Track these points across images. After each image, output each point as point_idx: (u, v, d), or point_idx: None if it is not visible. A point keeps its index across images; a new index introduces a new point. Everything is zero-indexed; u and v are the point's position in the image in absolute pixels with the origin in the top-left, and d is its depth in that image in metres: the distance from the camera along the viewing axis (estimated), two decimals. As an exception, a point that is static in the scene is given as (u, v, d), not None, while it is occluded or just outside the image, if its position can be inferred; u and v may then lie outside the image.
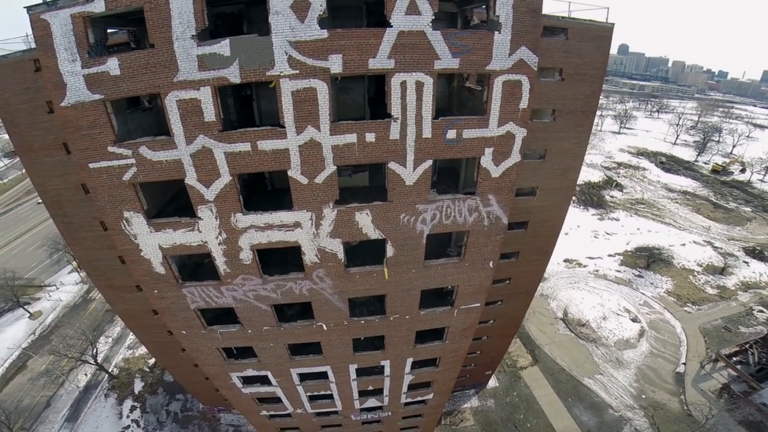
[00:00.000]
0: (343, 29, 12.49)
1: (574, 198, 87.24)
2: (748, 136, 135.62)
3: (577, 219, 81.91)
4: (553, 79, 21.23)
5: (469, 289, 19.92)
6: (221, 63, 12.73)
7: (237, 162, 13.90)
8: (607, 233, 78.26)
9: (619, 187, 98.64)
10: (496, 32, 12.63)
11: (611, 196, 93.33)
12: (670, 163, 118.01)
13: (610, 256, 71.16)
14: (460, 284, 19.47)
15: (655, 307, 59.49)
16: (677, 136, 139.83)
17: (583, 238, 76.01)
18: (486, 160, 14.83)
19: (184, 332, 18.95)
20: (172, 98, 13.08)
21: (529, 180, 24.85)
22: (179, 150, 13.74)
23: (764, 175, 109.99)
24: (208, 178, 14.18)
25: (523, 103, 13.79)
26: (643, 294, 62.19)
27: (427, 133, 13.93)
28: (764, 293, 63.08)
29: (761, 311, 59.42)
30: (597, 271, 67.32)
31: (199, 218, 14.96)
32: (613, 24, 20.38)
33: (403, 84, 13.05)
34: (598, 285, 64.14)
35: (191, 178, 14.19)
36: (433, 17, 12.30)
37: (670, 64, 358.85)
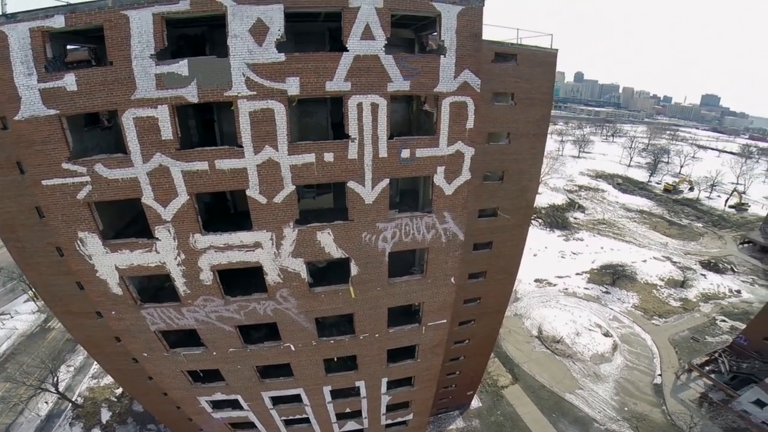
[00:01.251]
0: (300, 53, 12.60)
1: (540, 220, 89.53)
2: (693, 157, 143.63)
3: (544, 240, 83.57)
4: (506, 104, 21.94)
5: (434, 306, 19.75)
6: (179, 82, 12.55)
7: (195, 181, 13.52)
8: (573, 253, 79.92)
9: (582, 208, 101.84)
10: (442, 56, 13.00)
11: (575, 218, 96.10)
12: (626, 184, 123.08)
13: (577, 274, 72.43)
14: (425, 301, 19.30)
15: (625, 321, 60.45)
16: (631, 158, 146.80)
17: (551, 258, 77.31)
18: (439, 179, 14.98)
19: (146, 355, 17.87)
20: (129, 116, 12.74)
21: (490, 201, 25.27)
22: (136, 168, 13.28)
23: (710, 193, 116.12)
24: (165, 197, 13.70)
25: (469, 123, 14.13)
26: (612, 309, 63.18)
27: (383, 152, 13.99)
28: (724, 303, 65.11)
29: (723, 320, 61.10)
30: (566, 289, 68.37)
31: (157, 239, 14.34)
32: (557, 50, 21.38)
33: (360, 105, 13.16)
34: (568, 302, 64.96)
35: (148, 197, 13.67)
36: (386, 42, 12.57)
37: (620, 91, 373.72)
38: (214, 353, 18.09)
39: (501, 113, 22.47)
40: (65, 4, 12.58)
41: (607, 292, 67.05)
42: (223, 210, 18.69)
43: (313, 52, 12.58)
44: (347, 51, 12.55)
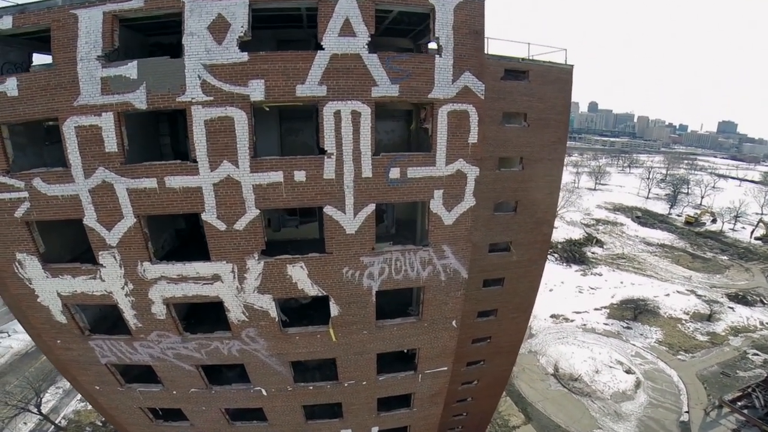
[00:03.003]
0: (266, 52, 10.16)
1: (556, 255, 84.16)
2: (713, 187, 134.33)
3: (561, 275, 78.48)
4: (518, 125, 18.96)
5: (433, 352, 16.30)
6: (126, 86, 10.30)
7: (142, 201, 11.00)
8: (592, 288, 74.53)
9: (600, 243, 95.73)
10: (437, 56, 10.30)
11: (592, 252, 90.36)
12: (646, 217, 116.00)
13: (596, 309, 67.24)
14: (422, 347, 15.91)
15: (648, 357, 55.13)
16: (649, 190, 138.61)
17: (568, 293, 72.33)
18: (436, 205, 11.94)
19: (98, 388, 15.09)
20: (71, 124, 10.59)
21: (502, 234, 21.82)
22: (77, 184, 10.93)
23: (734, 225, 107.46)
24: (109, 219, 11.21)
25: (473, 137, 11.20)
26: (634, 345, 58.06)
27: (366, 171, 11.16)
28: (755, 336, 59.19)
29: (756, 354, 55.18)
30: (585, 325, 63.21)
31: (101, 265, 11.76)
32: (572, 65, 18.64)
33: (337, 114, 10.53)
34: (587, 339, 59.93)
35: (90, 218, 11.22)
36: (369, 39, 9.99)
37: (635, 120, 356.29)
38: (174, 392, 15.09)
39: (513, 135, 19.44)
40: (15, 4, 10.73)
41: (628, 328, 61.45)
42: (198, 236, 16.11)
43: (281, 51, 10.11)
44: (322, 49, 10.03)
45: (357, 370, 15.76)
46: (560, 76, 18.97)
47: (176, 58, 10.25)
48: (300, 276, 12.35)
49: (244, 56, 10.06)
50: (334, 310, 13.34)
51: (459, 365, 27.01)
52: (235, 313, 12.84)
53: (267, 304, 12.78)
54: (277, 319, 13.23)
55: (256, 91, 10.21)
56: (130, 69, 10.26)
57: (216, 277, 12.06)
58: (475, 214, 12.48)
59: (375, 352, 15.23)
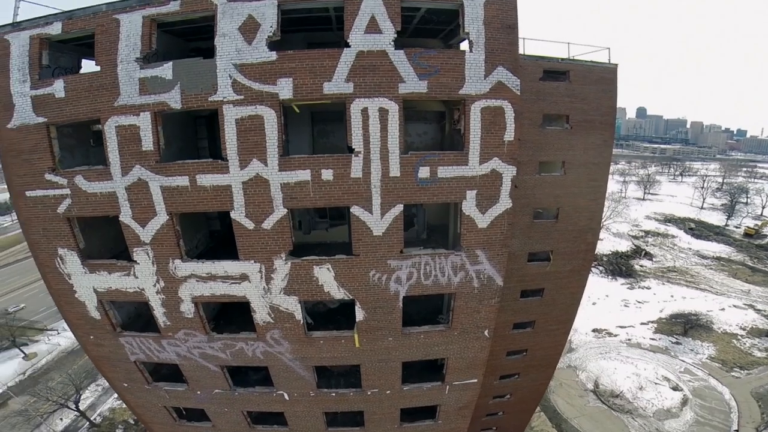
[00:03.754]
0: (294, 51, 10.04)
1: (601, 268, 79.43)
2: None
3: (605, 288, 73.94)
4: (560, 128, 17.83)
5: (462, 363, 15.41)
6: (162, 87, 10.53)
7: (174, 199, 11.15)
8: (639, 302, 69.77)
9: (649, 255, 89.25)
10: (468, 51, 9.77)
11: (641, 265, 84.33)
12: (700, 229, 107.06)
13: (642, 324, 62.88)
14: (450, 356, 15.08)
15: (698, 374, 50.94)
16: (703, 199, 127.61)
17: (613, 307, 68.01)
18: (469, 206, 11.24)
19: (126, 385, 15.42)
20: (112, 124, 10.97)
21: (542, 243, 20.57)
22: (114, 182, 11.26)
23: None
24: (143, 216, 11.45)
25: (509, 135, 10.46)
26: (683, 361, 53.74)
27: (394, 170, 10.70)
28: None
29: None
30: (629, 340, 59.22)
31: (135, 262, 12.02)
32: (616, 65, 17.59)
33: (364, 111, 10.19)
34: (631, 354, 56.12)
35: (126, 215, 11.51)
36: (396, 35, 9.60)
37: (688, 126, 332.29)
38: (198, 392, 15.13)
39: (554, 138, 18.39)
40: (64, 11, 11.36)
41: (677, 343, 57.17)
42: (233, 240, 16.30)
43: (308, 50, 9.95)
44: (348, 47, 9.77)
45: (381, 378, 15.17)
46: (604, 76, 17.96)
47: (208, 59, 10.34)
48: (326, 278, 12.02)
49: (273, 55, 10.01)
50: (359, 314, 12.88)
51: (491, 378, 25.69)
52: (260, 314, 12.69)
53: (293, 306, 12.54)
54: (302, 322, 12.95)
55: (284, 89, 10.10)
56: (165, 70, 10.49)
57: (243, 277, 11.99)
58: (512, 219, 11.62)
59: (400, 360, 14.60)
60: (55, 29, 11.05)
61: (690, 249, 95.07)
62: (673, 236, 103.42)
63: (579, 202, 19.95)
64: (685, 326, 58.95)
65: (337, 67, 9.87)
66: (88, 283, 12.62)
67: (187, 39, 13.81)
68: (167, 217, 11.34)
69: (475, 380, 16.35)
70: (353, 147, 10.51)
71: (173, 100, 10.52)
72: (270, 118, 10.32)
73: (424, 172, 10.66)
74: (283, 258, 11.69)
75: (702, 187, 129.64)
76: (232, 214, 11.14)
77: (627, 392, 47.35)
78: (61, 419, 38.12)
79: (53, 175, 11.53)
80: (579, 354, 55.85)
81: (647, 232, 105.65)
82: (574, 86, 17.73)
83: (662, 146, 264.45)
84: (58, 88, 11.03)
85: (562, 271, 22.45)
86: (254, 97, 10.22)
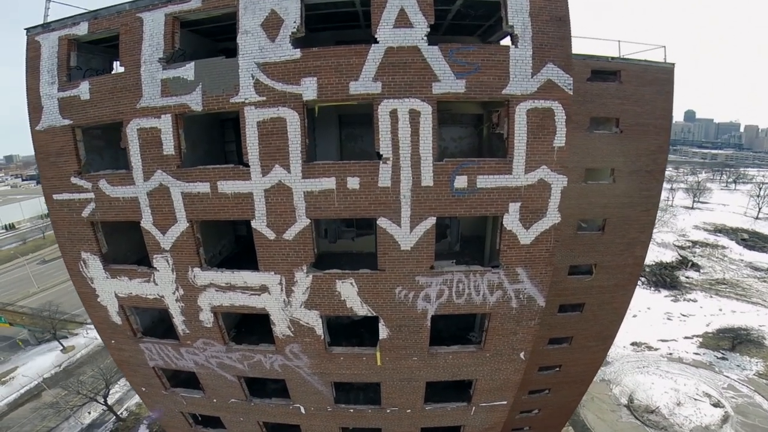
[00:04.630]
0: (319, 48, 9.10)
1: (643, 279, 74.22)
2: None
3: (647, 301, 69.08)
4: (608, 132, 16.04)
5: (493, 384, 14.05)
6: (184, 88, 9.95)
7: (195, 206, 10.55)
8: (683, 315, 64.73)
9: (696, 267, 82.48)
10: (512, 47, 8.48)
11: (687, 277, 78.09)
12: (754, 240, 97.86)
13: (686, 338, 58.40)
14: (480, 378, 13.77)
15: (743, 391, 47.08)
16: (759, 209, 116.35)
17: (655, 320, 63.47)
18: (511, 221, 9.90)
19: (144, 389, 15.21)
20: (134, 126, 10.52)
21: (586, 256, 18.75)
22: (136, 186, 10.82)
23: None
24: (164, 222, 10.94)
25: (559, 140, 9.07)
26: (728, 377, 49.74)
27: (427, 179, 9.55)
28: None
29: None
30: (671, 354, 55.11)
31: (155, 269, 11.54)
32: (673, 64, 15.90)
33: (394, 113, 9.12)
34: (671, 369, 52.28)
35: (147, 221, 11.04)
36: (428, 29, 8.46)
37: (742, 129, 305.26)
38: (215, 400, 14.62)
39: (602, 143, 16.68)
40: (90, 11, 11.03)
41: (723, 358, 52.93)
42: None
43: (334, 46, 8.99)
44: (376, 42, 8.72)
45: (402, 397, 14.06)
46: (659, 77, 16.25)
47: (230, 58, 9.63)
48: (349, 293, 11.04)
49: (297, 53, 9.15)
50: (382, 332, 11.82)
51: (520, 392, 23.89)
52: (280, 327, 11.90)
53: (313, 320, 11.66)
54: (322, 337, 12.06)
55: (308, 89, 9.21)
56: (187, 70, 9.90)
57: (263, 288, 11.23)
58: (559, 235, 10.18)
59: (424, 380, 13.45)
60: (82, 30, 10.76)
61: (742, 260, 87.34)
62: (723, 247, 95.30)
63: (629, 213, 17.95)
64: (733, 341, 54.64)
65: (364, 64, 8.88)
66: (110, 288, 12.32)
67: (216, 39, 13.29)
68: (187, 224, 10.76)
69: (505, 402, 14.92)
70: (381, 153, 9.45)
71: (194, 101, 9.89)
72: (293, 121, 9.48)
73: (460, 182, 9.44)
74: (305, 270, 10.82)
75: (758, 196, 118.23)
76: (253, 224, 10.40)
77: (663, 408, 44.19)
78: (89, 413, 39.28)
79: (78, 178, 11.25)
80: (614, 368, 52.57)
81: (695, 243, 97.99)
82: (626, 87, 16.10)
83: (713, 151, 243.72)
84: (83, 89, 10.71)
85: (606, 286, 20.49)
86: (277, 99, 9.41)
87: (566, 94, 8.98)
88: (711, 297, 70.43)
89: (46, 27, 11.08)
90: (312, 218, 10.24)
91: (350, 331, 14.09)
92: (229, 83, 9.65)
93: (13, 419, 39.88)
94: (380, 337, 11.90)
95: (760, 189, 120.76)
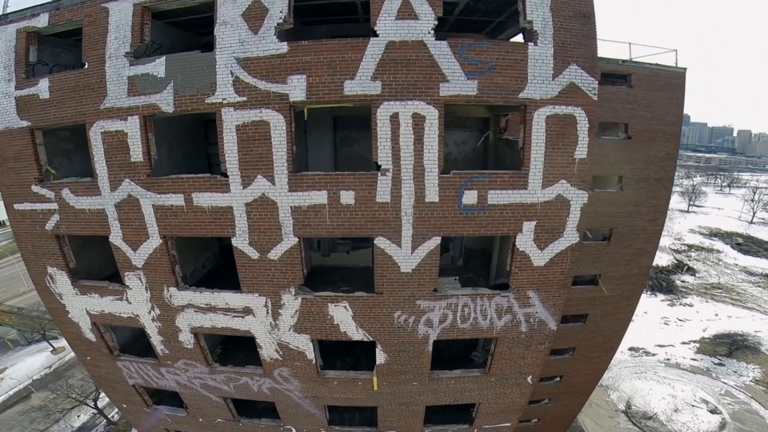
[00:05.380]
0: (309, 41, 7.71)
1: (640, 284, 73.51)
2: None
3: (644, 305, 68.05)
4: (616, 138, 14.92)
5: (497, 408, 12.92)
6: (153, 87, 8.54)
7: (168, 220, 9.19)
8: (680, 320, 64.09)
9: (692, 271, 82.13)
10: (531, 44, 7.11)
11: (682, 281, 77.64)
12: (749, 244, 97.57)
13: (683, 343, 57.61)
14: (484, 402, 12.59)
15: (740, 397, 46.64)
16: (753, 213, 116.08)
17: (652, 325, 62.83)
18: (524, 241, 8.65)
19: (125, 406, 13.95)
20: (97, 129, 9.13)
21: (591, 266, 17.68)
22: (103, 197, 9.43)
23: None
24: (135, 238, 9.58)
25: (581, 151, 7.84)
26: (725, 383, 49.22)
27: (431, 194, 8.24)
28: None
29: None
30: (668, 359, 54.38)
31: (127, 287, 10.16)
32: (685, 69, 15.09)
33: (395, 118, 7.78)
34: (669, 374, 51.56)
35: (116, 237, 9.68)
36: (436, 22, 7.11)
37: (735, 134, 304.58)
38: (200, 419, 13.34)
39: (610, 150, 15.57)
40: (51, 1, 9.56)
41: (720, 364, 52.33)
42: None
43: (327, 39, 7.59)
44: (376, 36, 7.36)
45: (400, 421, 12.88)
46: (671, 81, 15.35)
47: (207, 52, 8.22)
48: (343, 317, 9.77)
49: (283, 47, 7.77)
50: (380, 357, 10.58)
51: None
52: (267, 351, 10.62)
53: (303, 344, 10.38)
54: (314, 361, 10.78)
55: (296, 88, 7.85)
56: (157, 66, 8.48)
57: (247, 311, 9.93)
58: (576, 256, 8.92)
59: (424, 404, 12.26)
60: (42, 21, 9.33)
61: (737, 265, 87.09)
62: (718, 251, 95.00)
63: (636, 222, 16.86)
64: (730, 347, 54.25)
65: (361, 61, 7.53)
66: (80, 305, 10.99)
67: (198, 33, 11.84)
68: (160, 240, 9.40)
69: (509, 424, 13.78)
70: (380, 163, 8.12)
71: (165, 102, 8.50)
72: (278, 125, 8.12)
73: (469, 197, 8.15)
74: (293, 293, 9.51)
75: (752, 200, 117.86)
76: (234, 242, 9.06)
77: (661, 414, 43.45)
78: (79, 416, 37.85)
79: (40, 186, 9.85)
80: (612, 373, 51.89)
81: (690, 246, 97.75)
82: (637, 92, 15.12)
83: (707, 155, 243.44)
84: (42, 88, 9.30)
85: (610, 296, 19.45)
86: (259, 99, 8.04)
87: (590, 100, 7.71)
88: (707, 302, 70.07)
89: (3, 19, 9.66)
90: (300, 236, 8.92)
91: (345, 349, 12.81)
92: (204, 81, 8.26)
93: (2, 421, 38.33)
94: (377, 362, 10.65)
95: (755, 193, 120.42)
